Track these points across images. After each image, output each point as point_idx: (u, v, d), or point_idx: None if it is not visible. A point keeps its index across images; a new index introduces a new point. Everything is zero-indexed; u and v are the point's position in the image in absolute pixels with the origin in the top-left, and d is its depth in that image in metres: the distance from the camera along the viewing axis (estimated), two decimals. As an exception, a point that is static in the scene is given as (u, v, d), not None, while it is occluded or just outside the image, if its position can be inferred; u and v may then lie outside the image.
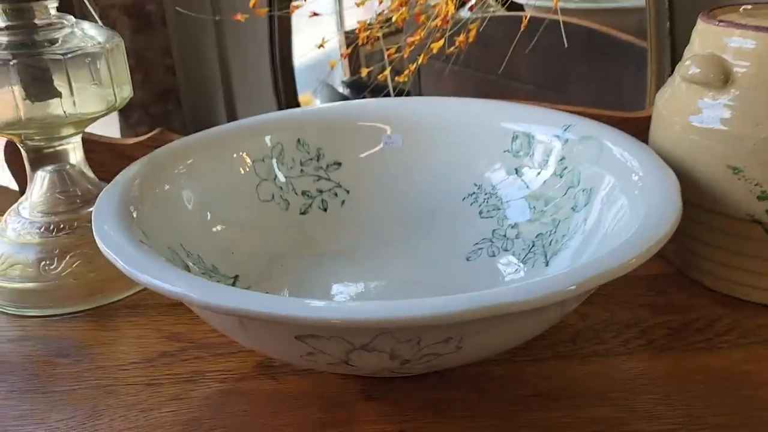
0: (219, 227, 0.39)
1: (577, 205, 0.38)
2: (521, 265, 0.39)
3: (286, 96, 0.80)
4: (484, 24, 0.64)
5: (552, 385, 0.33)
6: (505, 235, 0.41)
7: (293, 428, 0.31)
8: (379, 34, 0.67)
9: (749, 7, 0.41)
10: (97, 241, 0.31)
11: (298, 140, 0.44)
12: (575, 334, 0.37)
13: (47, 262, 0.41)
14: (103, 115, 0.41)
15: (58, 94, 0.39)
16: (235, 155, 0.42)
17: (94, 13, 0.47)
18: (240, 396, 0.34)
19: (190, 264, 0.35)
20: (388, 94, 0.68)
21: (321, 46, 0.69)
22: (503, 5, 0.68)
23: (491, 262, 0.41)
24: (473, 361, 0.33)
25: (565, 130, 0.41)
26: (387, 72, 0.65)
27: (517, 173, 0.42)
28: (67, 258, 0.41)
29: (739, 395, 0.32)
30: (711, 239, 0.38)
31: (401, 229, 0.43)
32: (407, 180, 0.45)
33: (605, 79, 0.68)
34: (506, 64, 0.66)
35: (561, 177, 0.40)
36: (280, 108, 0.80)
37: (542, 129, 0.42)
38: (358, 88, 0.77)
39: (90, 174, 0.44)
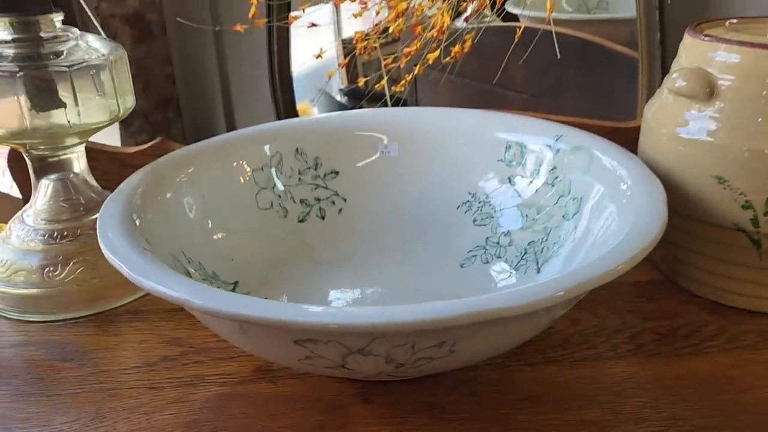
0: (219, 235, 0.40)
1: (568, 214, 0.39)
2: (514, 271, 0.40)
3: (284, 104, 0.81)
4: (479, 35, 0.65)
5: (542, 389, 0.34)
6: (498, 243, 0.42)
7: (292, 430, 0.32)
8: (377, 45, 0.68)
9: (735, 21, 0.42)
10: (102, 248, 0.32)
11: (297, 149, 0.45)
12: (566, 339, 0.38)
13: (51, 269, 0.42)
14: (106, 125, 0.42)
15: (63, 105, 0.40)
16: (235, 164, 0.43)
17: (97, 25, 0.48)
18: (240, 399, 0.34)
19: (192, 270, 0.36)
20: (385, 103, 0.69)
21: (319, 56, 0.70)
22: (499, 16, 0.69)
23: (484, 269, 0.42)
24: (466, 365, 0.34)
25: (557, 140, 0.42)
26: (384, 82, 0.67)
27: (510, 182, 0.43)
28: (70, 265, 0.42)
29: (724, 399, 0.33)
30: (697, 247, 0.39)
31: (397, 237, 0.44)
32: (403, 188, 0.46)
33: (598, 89, 0.70)
34: (501, 74, 0.67)
35: (552, 186, 0.41)
36: (278, 116, 0.81)
37: (534, 139, 0.43)
38: (356, 96, 0.78)
39: (93, 182, 0.45)
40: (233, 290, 0.39)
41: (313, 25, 0.69)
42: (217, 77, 0.89)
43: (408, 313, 0.25)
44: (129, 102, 0.43)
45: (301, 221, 0.45)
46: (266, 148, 0.45)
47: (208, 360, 0.37)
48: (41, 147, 0.42)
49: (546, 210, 0.41)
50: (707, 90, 0.37)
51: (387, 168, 0.46)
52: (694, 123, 0.38)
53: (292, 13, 0.74)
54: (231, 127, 0.93)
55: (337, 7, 0.73)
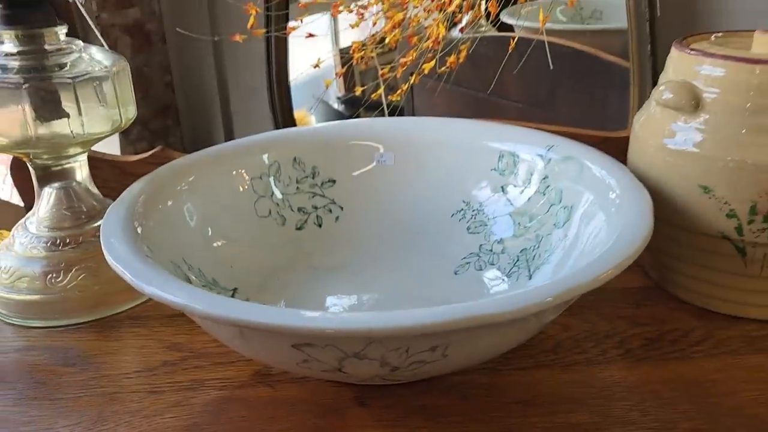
0: (219, 242, 0.41)
1: (559, 222, 0.40)
2: (506, 278, 0.41)
3: (282, 113, 0.82)
4: (474, 45, 0.66)
5: (533, 393, 0.35)
6: (491, 250, 0.43)
7: (289, 433, 0.33)
8: (374, 54, 0.69)
9: (720, 35, 0.43)
10: (105, 255, 0.32)
11: (295, 158, 0.46)
12: (557, 344, 0.39)
13: (53, 275, 0.43)
14: (108, 135, 0.43)
15: (67, 115, 0.41)
16: (234, 173, 0.44)
17: (99, 35, 0.49)
18: (238, 403, 0.35)
19: (192, 277, 0.37)
20: (382, 111, 0.70)
21: (317, 66, 0.71)
22: (494, 26, 0.70)
23: (478, 276, 0.43)
24: (459, 369, 0.35)
25: (548, 150, 0.43)
26: (381, 91, 0.68)
27: (502, 191, 0.44)
28: (72, 271, 0.43)
29: (708, 402, 0.34)
30: (684, 255, 0.40)
31: (393, 244, 0.45)
32: (399, 197, 0.47)
33: (592, 98, 0.71)
34: (496, 83, 0.69)
35: (544, 195, 0.42)
36: (275, 124, 0.82)
37: (527, 149, 0.44)
38: (353, 104, 0.79)
39: (95, 190, 0.46)
40: (233, 296, 0.39)
41: (311, 35, 0.70)
42: (215, 86, 0.90)
43: (401, 318, 0.26)
44: (131, 112, 0.44)
45: (298, 229, 0.46)
46: (265, 157, 0.46)
47: (208, 365, 0.38)
48: (45, 156, 0.43)
49: (538, 218, 0.42)
50: (693, 102, 0.38)
51: (383, 177, 0.47)
52: (680, 134, 0.39)
53: (290, 24, 0.75)
54: (229, 134, 0.94)
55: (334, 17, 0.75)
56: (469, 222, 0.45)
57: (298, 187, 0.46)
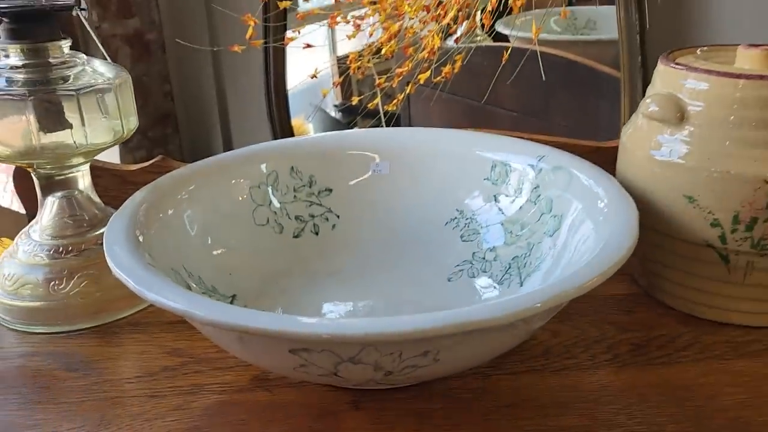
0: (218, 250, 0.42)
1: (549, 230, 0.41)
2: (497, 285, 0.42)
3: (280, 122, 0.83)
4: (469, 55, 0.68)
5: (524, 397, 0.36)
6: (484, 258, 0.45)
7: (286, 436, 0.34)
8: (370, 64, 0.70)
9: (705, 49, 0.44)
10: (108, 263, 0.33)
11: (292, 168, 0.48)
12: (547, 349, 0.40)
13: (56, 283, 0.44)
14: (111, 146, 0.44)
15: (70, 126, 0.42)
16: (233, 182, 0.46)
17: (100, 46, 0.50)
18: (237, 406, 0.36)
19: (192, 284, 0.38)
20: (379, 119, 0.71)
21: (314, 76, 0.73)
22: (489, 35, 0.72)
23: (470, 283, 0.44)
24: (451, 374, 0.36)
25: (539, 160, 0.44)
26: (377, 100, 0.69)
27: (495, 200, 0.45)
28: (74, 278, 0.44)
29: (694, 405, 0.35)
30: (670, 262, 0.42)
31: (388, 252, 0.46)
32: (394, 205, 0.48)
33: (585, 108, 0.72)
34: (491, 92, 0.70)
35: (535, 204, 0.43)
36: (273, 133, 0.83)
37: (518, 159, 0.45)
38: (350, 112, 0.80)
39: (96, 199, 0.47)
40: (231, 303, 0.40)
41: (309, 45, 0.71)
42: (214, 95, 0.92)
43: (394, 324, 0.27)
44: (132, 123, 0.45)
45: (296, 237, 0.47)
46: (263, 166, 0.47)
47: (208, 369, 0.39)
48: (48, 166, 0.44)
49: (528, 227, 0.43)
50: (678, 115, 0.39)
51: (379, 186, 0.48)
52: (666, 146, 0.40)
53: (288, 34, 0.76)
54: (227, 143, 0.95)
55: (331, 28, 0.76)
56: (462, 230, 0.46)
57: (295, 196, 0.47)
